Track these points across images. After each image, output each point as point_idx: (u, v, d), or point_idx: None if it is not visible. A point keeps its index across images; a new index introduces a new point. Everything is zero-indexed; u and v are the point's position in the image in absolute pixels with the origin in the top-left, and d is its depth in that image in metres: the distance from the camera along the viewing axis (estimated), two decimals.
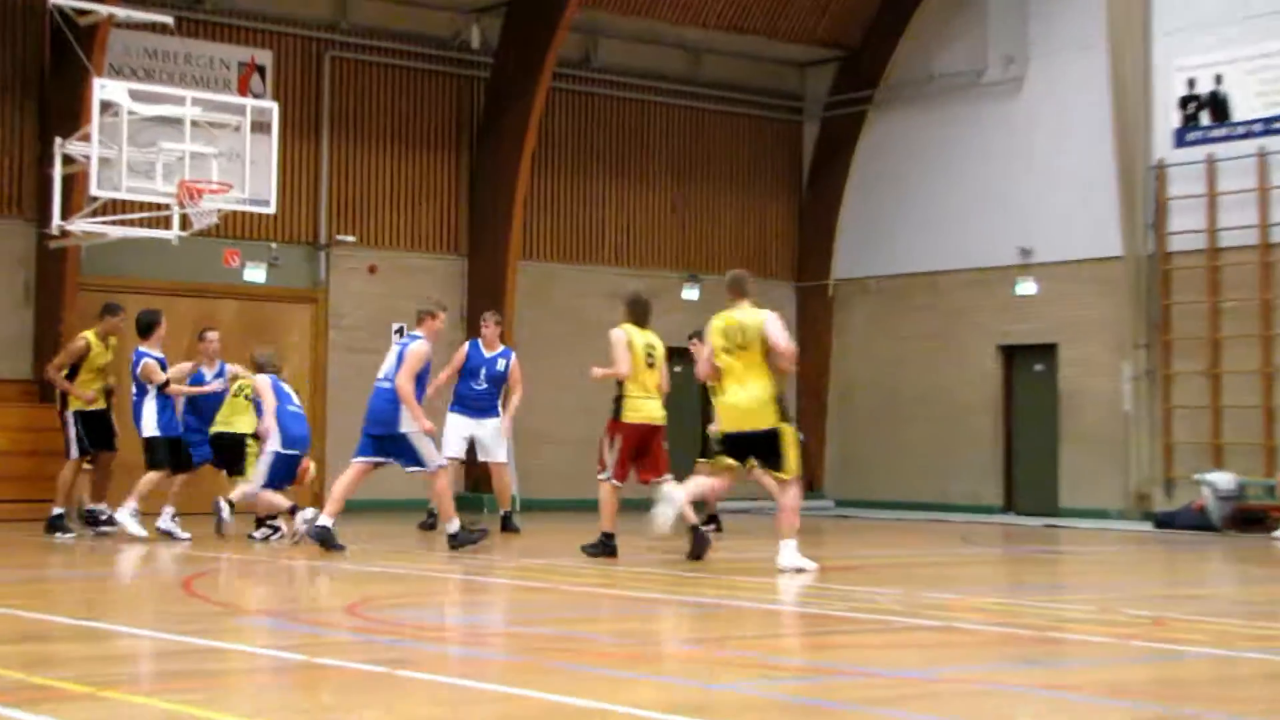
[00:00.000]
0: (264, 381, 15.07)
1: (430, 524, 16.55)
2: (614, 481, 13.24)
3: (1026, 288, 22.49)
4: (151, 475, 15.09)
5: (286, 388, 15.23)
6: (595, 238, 23.36)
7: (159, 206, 16.40)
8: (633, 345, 13.26)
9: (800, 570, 11.90)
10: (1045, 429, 22.32)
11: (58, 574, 12.47)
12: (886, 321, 24.15)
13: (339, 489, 13.77)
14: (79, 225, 16.50)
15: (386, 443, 13.78)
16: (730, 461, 12.31)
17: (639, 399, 13.22)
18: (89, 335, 15.68)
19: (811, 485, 24.68)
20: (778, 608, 10.15)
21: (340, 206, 21.34)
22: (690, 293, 23.78)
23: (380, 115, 21.67)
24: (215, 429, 15.60)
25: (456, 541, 13.80)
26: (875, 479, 23.87)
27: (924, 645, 8.29)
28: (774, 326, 12.19)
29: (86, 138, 15.74)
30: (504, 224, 21.59)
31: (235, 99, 17.67)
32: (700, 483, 12.77)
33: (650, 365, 13.28)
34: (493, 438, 16.26)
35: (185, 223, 16.23)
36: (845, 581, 11.67)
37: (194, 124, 15.86)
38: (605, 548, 13.23)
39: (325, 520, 13.66)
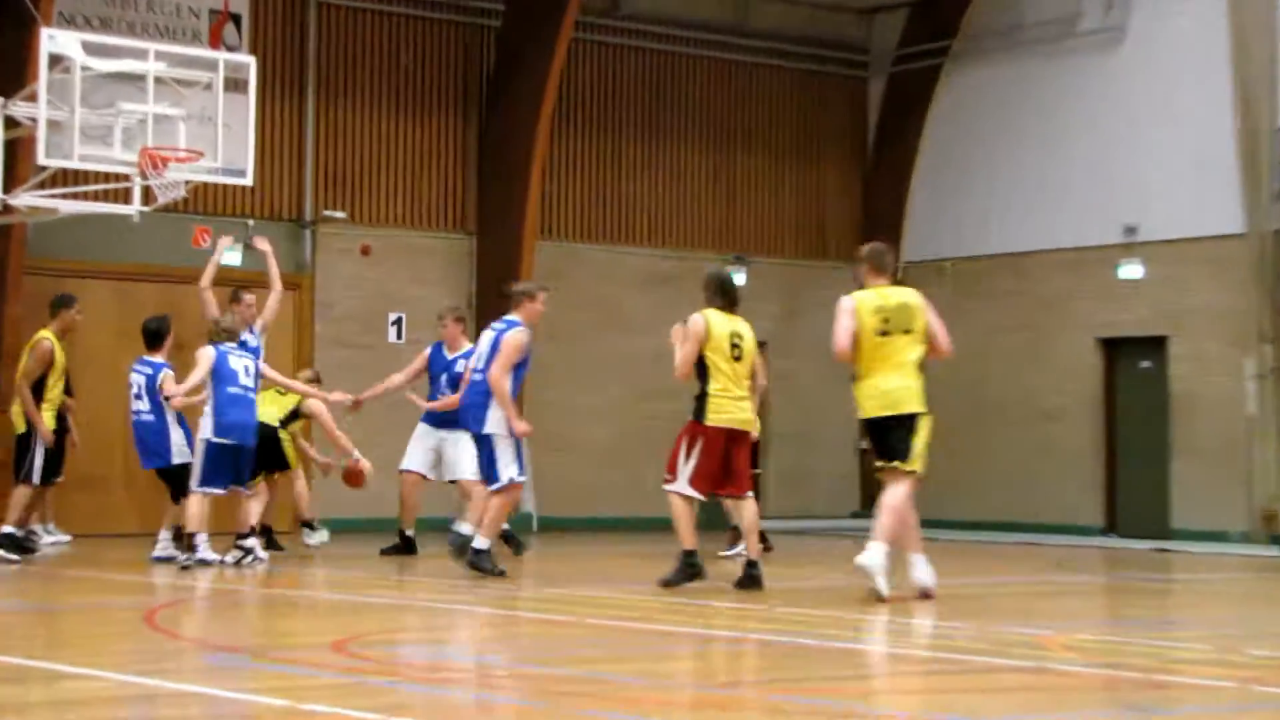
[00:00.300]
0: (204, 353, 14.99)
1: (398, 548, 16.57)
2: (689, 493, 12.96)
3: (1131, 271, 22.41)
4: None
5: (237, 365, 15.04)
6: (625, 213, 23.37)
7: (117, 177, 16.43)
8: (713, 334, 12.98)
9: (877, 593, 11.91)
10: (1153, 436, 22.22)
11: (2, 606, 12.53)
12: (965, 311, 24.05)
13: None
14: (24, 199, 16.54)
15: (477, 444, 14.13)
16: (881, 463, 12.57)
17: (723, 398, 12.98)
18: (49, 335, 15.81)
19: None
20: (840, 645, 10.14)
21: (328, 178, 21.40)
22: (736, 277, 23.69)
23: (375, 71, 21.71)
24: None
25: (477, 562, 13.82)
26: (952, 496, 23.80)
27: (1010, 689, 8.27)
28: (933, 312, 12.60)
29: (33, 98, 15.77)
30: (519, 197, 21.62)
31: (206, 52, 17.70)
32: (891, 514, 12.53)
33: (736, 358, 13.03)
34: (461, 451, 15.97)
35: (148, 196, 16.26)
36: (918, 614, 11.65)
37: (158, 81, 15.87)
38: (688, 571, 12.95)
39: (465, 526, 14.36)
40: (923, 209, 24.70)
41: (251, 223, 20.62)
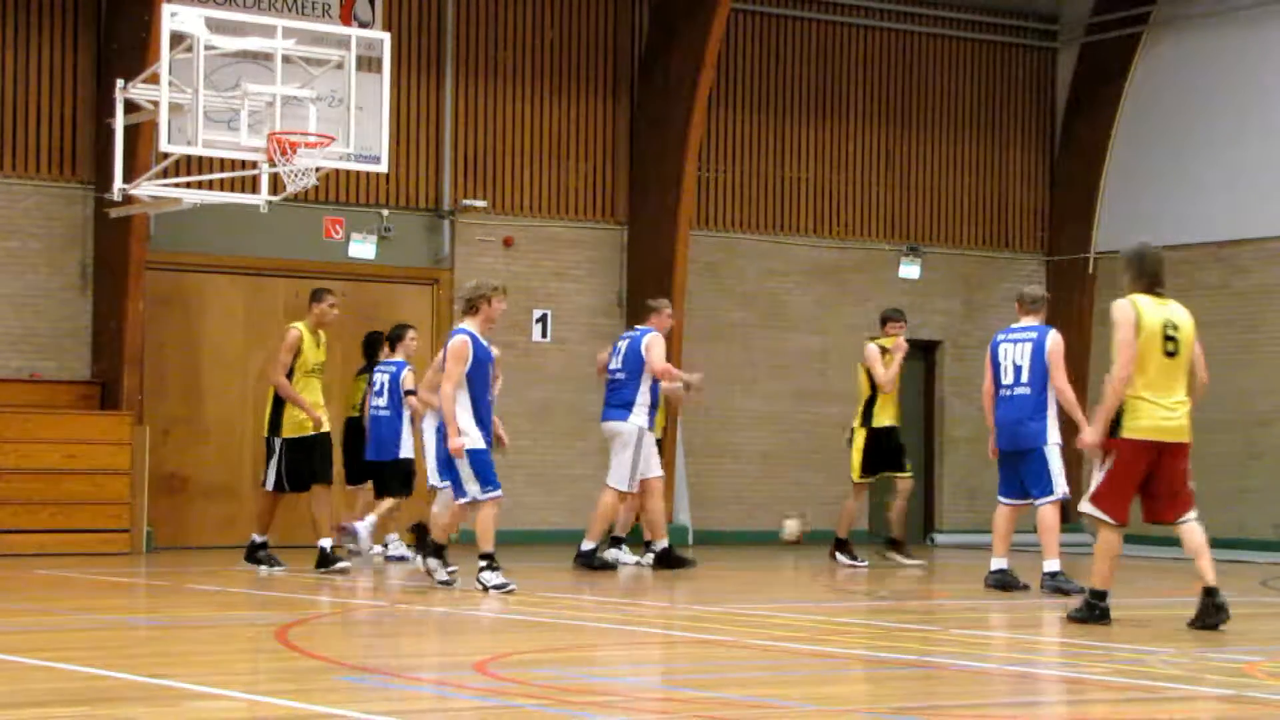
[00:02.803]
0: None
1: (668, 561, 16.87)
2: (1094, 513, 12.34)
3: None
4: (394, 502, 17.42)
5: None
6: (788, 200, 23.40)
7: (244, 165, 16.79)
8: (1144, 324, 11.93)
9: None
10: None
11: (127, 621, 12.91)
12: None
13: (1002, 525, 14.95)
14: (145, 189, 16.90)
15: (1016, 462, 14.79)
16: None
17: (1148, 403, 11.95)
18: (301, 326, 16.34)
19: (1066, 516, 24.49)
20: (1020, 669, 10.19)
21: (468, 164, 21.63)
22: (909, 269, 23.75)
23: (517, 48, 21.89)
24: None
25: (1056, 585, 14.55)
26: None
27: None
28: None
29: (154, 79, 16.11)
30: (673, 184, 21.73)
31: (338, 29, 18.01)
32: None
33: (1170, 353, 11.95)
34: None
35: (276, 185, 16.59)
36: (1106, 637, 11.65)
37: (286, 60, 16.16)
38: (1095, 610, 12.29)
39: (1000, 563, 14.81)
40: (1117, 194, 24.51)
41: (385, 212, 20.93)
